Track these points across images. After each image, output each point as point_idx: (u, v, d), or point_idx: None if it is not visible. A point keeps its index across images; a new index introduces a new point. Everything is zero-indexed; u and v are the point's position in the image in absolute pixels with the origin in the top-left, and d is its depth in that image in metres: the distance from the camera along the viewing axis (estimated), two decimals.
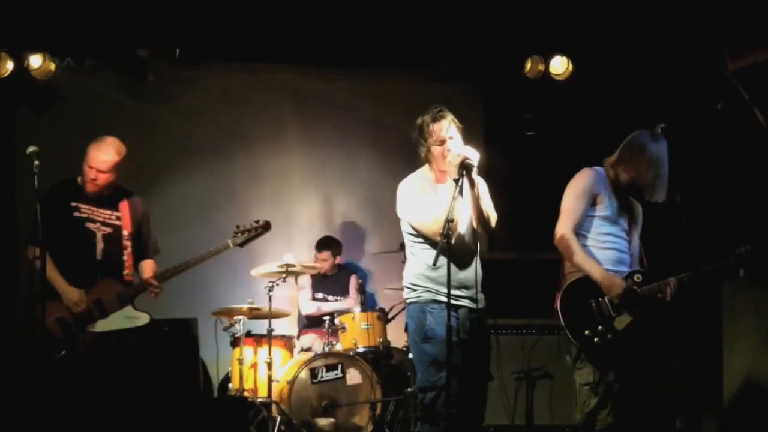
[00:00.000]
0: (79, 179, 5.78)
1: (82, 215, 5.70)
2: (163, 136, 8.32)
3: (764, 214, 6.26)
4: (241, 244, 5.92)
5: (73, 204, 5.69)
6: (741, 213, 6.46)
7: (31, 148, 5.16)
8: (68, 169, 5.86)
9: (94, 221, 5.72)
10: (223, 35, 7.67)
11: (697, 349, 6.91)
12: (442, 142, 4.88)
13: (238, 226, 5.94)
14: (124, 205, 5.81)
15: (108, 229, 5.74)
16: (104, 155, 5.66)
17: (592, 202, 5.17)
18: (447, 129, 4.88)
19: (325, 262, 7.97)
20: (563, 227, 5.16)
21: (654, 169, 5.10)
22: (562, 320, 5.15)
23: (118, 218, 5.77)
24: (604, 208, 5.16)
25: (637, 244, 5.32)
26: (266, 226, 5.97)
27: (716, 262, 5.08)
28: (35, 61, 7.38)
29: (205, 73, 8.39)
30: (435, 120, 4.90)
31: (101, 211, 5.74)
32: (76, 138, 5.92)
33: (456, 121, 4.93)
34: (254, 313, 7.12)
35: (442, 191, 4.88)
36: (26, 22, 7.09)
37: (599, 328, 5.06)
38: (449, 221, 4.61)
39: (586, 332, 5.07)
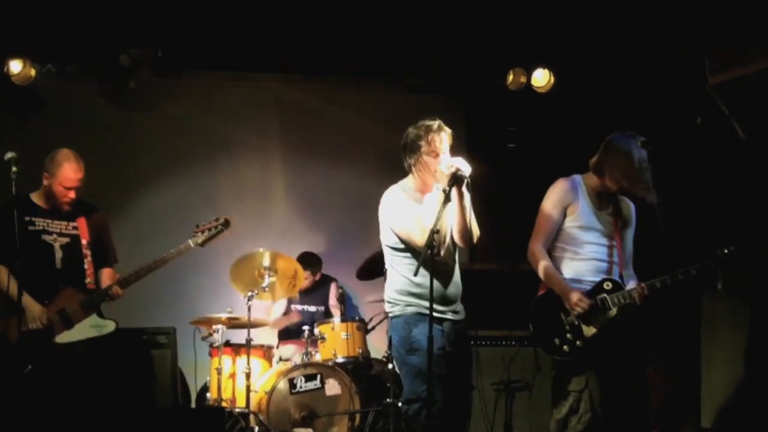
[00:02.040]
0: (33, 196, 5.78)
1: (37, 228, 5.69)
2: (145, 144, 8.29)
3: (745, 222, 6.29)
4: (202, 243, 5.91)
5: (27, 218, 5.67)
6: (721, 222, 6.50)
7: (9, 154, 5.15)
8: None
9: (50, 233, 5.71)
10: (207, 43, 7.67)
11: (675, 360, 6.93)
12: (437, 155, 4.86)
13: (197, 225, 5.93)
14: (80, 215, 5.80)
15: (65, 239, 5.74)
16: (76, 173, 5.70)
17: (565, 213, 5.20)
18: (445, 143, 4.89)
19: (306, 280, 7.95)
20: (533, 243, 5.23)
21: (639, 168, 5.11)
22: (532, 329, 5.20)
23: (75, 228, 5.78)
24: (577, 217, 5.19)
25: (628, 243, 5.32)
26: (225, 224, 5.96)
27: (690, 266, 5.08)
28: (15, 66, 7.34)
29: (187, 81, 8.38)
30: (437, 131, 4.90)
31: (57, 222, 5.75)
32: (58, 145, 5.89)
33: (452, 137, 4.95)
34: (233, 323, 7.08)
35: (430, 201, 4.87)
36: (6, 28, 7.05)
37: (568, 336, 5.09)
38: (435, 232, 4.61)
39: (556, 341, 5.11)
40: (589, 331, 5.10)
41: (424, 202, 4.90)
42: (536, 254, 5.20)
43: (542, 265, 5.17)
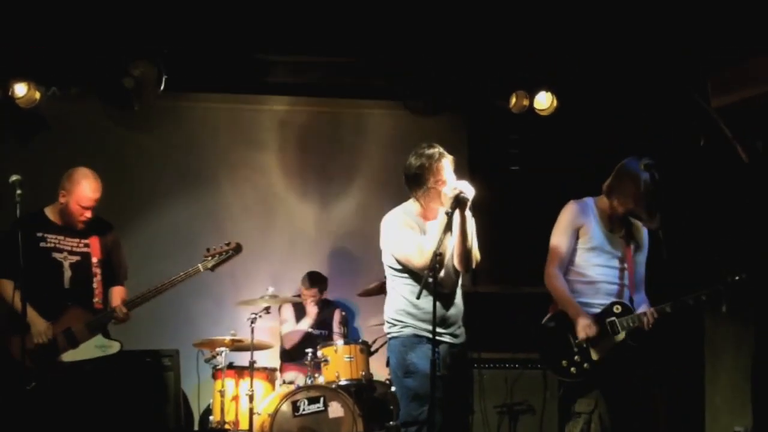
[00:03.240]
0: (47, 211, 5.77)
1: (49, 245, 5.68)
2: (149, 165, 8.30)
3: (747, 246, 6.30)
4: (212, 268, 5.88)
5: (39, 234, 5.67)
6: (724, 245, 6.50)
7: (14, 177, 5.14)
8: (52, 198, 5.84)
9: (60, 251, 5.70)
10: (211, 65, 7.69)
11: (679, 382, 6.92)
12: (444, 183, 4.85)
13: (208, 249, 5.90)
14: (92, 233, 5.80)
15: (76, 258, 5.72)
16: (94, 192, 5.69)
17: (577, 235, 5.23)
18: (449, 168, 4.89)
19: (311, 298, 7.94)
20: (548, 266, 5.29)
21: (645, 196, 5.13)
22: (539, 351, 5.23)
23: (87, 245, 5.76)
24: (588, 240, 5.23)
25: (640, 267, 5.34)
26: (237, 249, 5.93)
27: (699, 291, 5.10)
28: (20, 89, 7.35)
29: (191, 103, 8.40)
30: (439, 159, 4.87)
31: (69, 239, 5.73)
32: (62, 167, 5.90)
33: (453, 160, 4.94)
34: (236, 345, 7.07)
35: (432, 226, 4.87)
36: (11, 51, 7.09)
37: (576, 358, 5.11)
38: (438, 254, 4.60)
39: (563, 362, 5.13)
40: (596, 353, 5.13)
41: (428, 229, 4.90)
42: (551, 277, 5.26)
43: (557, 288, 5.21)
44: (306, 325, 7.85)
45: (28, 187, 5.19)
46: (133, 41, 7.28)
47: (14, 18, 6.80)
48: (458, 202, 4.69)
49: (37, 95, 7.46)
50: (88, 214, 5.71)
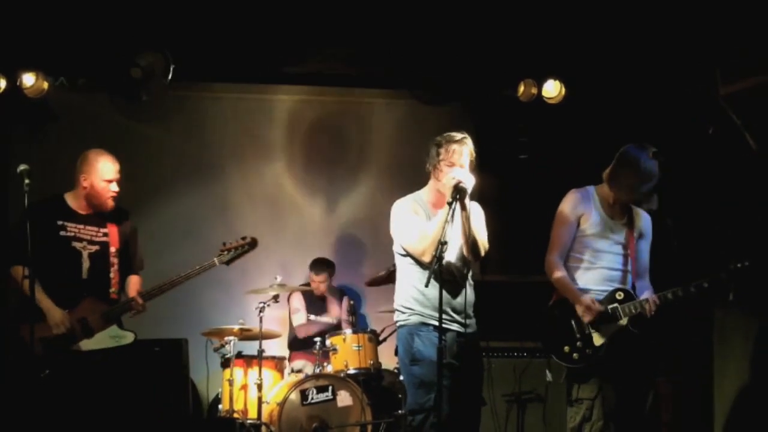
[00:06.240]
0: (68, 198, 5.76)
1: (69, 234, 5.67)
2: (156, 156, 8.31)
3: (756, 235, 6.29)
4: (228, 262, 5.88)
5: (60, 222, 5.66)
6: (732, 234, 6.49)
7: (22, 167, 5.14)
8: (60, 189, 5.84)
9: (80, 240, 5.69)
10: (218, 56, 7.69)
11: (687, 371, 6.92)
12: (452, 165, 4.87)
13: (224, 244, 5.90)
14: (111, 222, 5.79)
15: (95, 247, 5.72)
16: (114, 163, 5.72)
17: (578, 223, 5.25)
18: (465, 156, 4.89)
19: (321, 284, 7.96)
20: (549, 254, 5.34)
21: (646, 182, 5.14)
22: (541, 337, 5.32)
23: (105, 235, 5.75)
24: (589, 226, 5.27)
25: (643, 254, 5.36)
26: (252, 244, 5.93)
27: (702, 278, 5.10)
28: (28, 79, 7.36)
29: (198, 93, 8.40)
30: (457, 143, 4.90)
31: (88, 228, 5.72)
32: (69, 157, 5.91)
33: (474, 154, 4.95)
34: (245, 334, 7.09)
35: (437, 214, 4.88)
36: (19, 41, 7.09)
37: (578, 344, 5.14)
38: (442, 243, 4.61)
39: (566, 348, 5.16)
40: (598, 339, 5.17)
41: (433, 215, 4.92)
42: (551, 265, 5.29)
43: (557, 275, 5.24)
44: (328, 319, 7.83)
45: (36, 177, 5.20)
46: (140, 31, 7.28)
47: (22, 8, 6.81)
48: (458, 191, 4.72)
49: (45, 85, 7.47)
50: (116, 189, 5.71)
